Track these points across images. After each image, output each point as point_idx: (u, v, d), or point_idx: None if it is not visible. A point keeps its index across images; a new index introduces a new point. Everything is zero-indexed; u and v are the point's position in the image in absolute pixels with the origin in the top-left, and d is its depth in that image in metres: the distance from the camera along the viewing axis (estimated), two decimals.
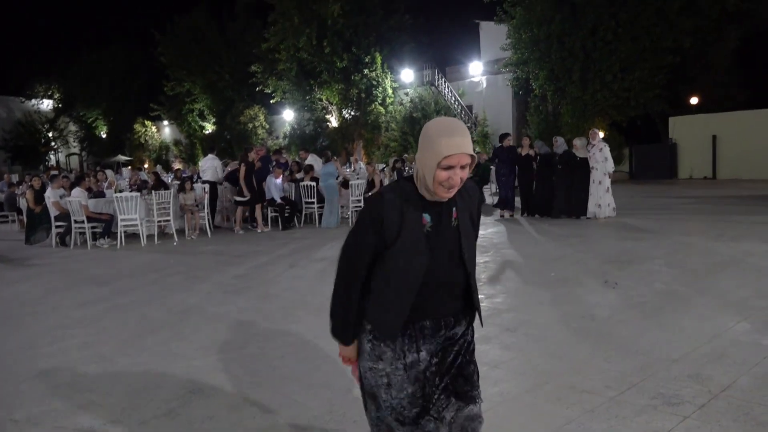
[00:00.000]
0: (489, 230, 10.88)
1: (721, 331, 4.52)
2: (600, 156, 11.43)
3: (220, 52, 35.76)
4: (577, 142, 11.85)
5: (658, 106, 22.81)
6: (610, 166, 11.52)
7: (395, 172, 15.80)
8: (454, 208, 1.99)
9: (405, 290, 1.96)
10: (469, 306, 2.11)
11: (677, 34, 21.18)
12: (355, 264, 2.00)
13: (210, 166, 13.49)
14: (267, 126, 36.12)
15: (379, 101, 29.91)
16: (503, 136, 12.93)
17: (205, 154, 37.81)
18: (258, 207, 12.23)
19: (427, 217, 1.95)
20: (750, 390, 3.43)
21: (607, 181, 11.53)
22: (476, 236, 2.15)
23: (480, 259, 8.00)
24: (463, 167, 1.87)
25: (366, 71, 29.03)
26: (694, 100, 25.81)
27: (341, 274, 2.05)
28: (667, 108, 23.41)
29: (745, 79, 27.16)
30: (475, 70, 30.61)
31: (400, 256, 1.94)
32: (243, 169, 11.98)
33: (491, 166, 15.47)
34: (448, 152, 1.83)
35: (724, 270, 6.64)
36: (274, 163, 13.47)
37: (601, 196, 11.48)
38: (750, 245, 7.98)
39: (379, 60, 29.06)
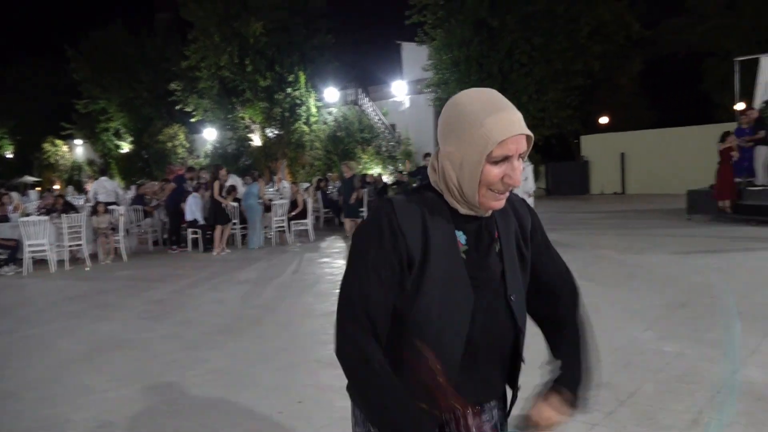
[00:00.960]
0: None
1: (629, 340, 4.76)
2: (521, 176, 11.71)
3: (138, 69, 34.72)
4: None
5: (571, 125, 23.91)
6: (530, 186, 11.77)
7: (319, 192, 15.77)
8: (495, 226, 1.39)
9: (444, 353, 1.28)
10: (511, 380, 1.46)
11: (587, 58, 22.35)
12: (365, 308, 1.24)
13: (110, 188, 13.44)
14: (187, 145, 35.25)
15: (303, 120, 29.84)
16: (426, 156, 13.23)
17: (121, 174, 36.51)
18: (219, 228, 11.88)
19: (461, 237, 1.32)
20: (654, 395, 3.63)
21: (530, 200, 11.74)
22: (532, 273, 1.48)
23: None
24: (520, 156, 1.28)
25: (289, 90, 28.94)
26: (604, 120, 27.27)
27: (347, 338, 1.26)
28: (580, 127, 24.60)
29: (651, 100, 29.03)
30: (398, 89, 31.08)
31: (429, 297, 1.27)
32: (217, 186, 11.67)
33: (413, 184, 15.69)
34: (503, 135, 1.22)
35: (631, 281, 7.00)
36: (195, 182, 13.18)
37: None
38: (655, 257, 8.47)
39: (302, 79, 29.06)
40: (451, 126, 1.28)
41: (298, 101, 29.40)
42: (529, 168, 11.86)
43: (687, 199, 13.08)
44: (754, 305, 5.57)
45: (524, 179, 11.69)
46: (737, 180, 11.91)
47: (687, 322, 5.20)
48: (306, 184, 19.29)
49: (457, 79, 23.77)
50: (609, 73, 24.88)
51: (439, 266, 1.26)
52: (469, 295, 1.29)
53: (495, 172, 1.25)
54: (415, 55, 27.97)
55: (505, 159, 1.25)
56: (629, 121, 26.71)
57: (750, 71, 14.45)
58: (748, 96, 14.52)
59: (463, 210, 1.32)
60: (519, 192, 11.56)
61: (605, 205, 18.40)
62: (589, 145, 24.28)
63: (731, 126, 13.32)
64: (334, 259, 10.21)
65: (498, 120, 1.22)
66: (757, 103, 13.40)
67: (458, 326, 1.29)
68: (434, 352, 1.26)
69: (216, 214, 11.75)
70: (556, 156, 27.34)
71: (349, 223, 12.94)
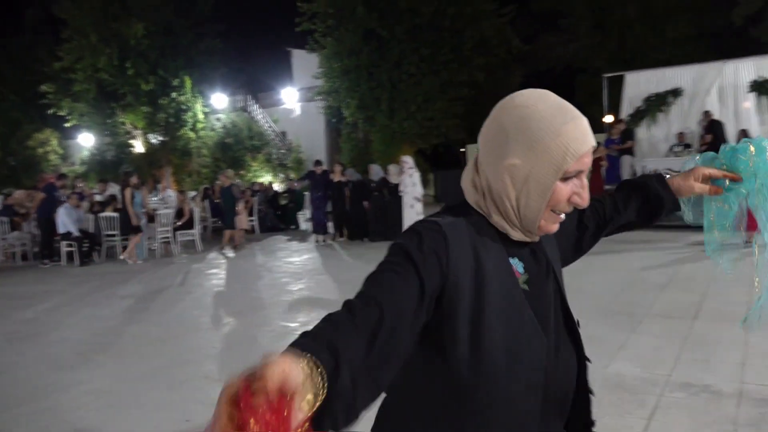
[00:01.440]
0: (304, 256, 10.95)
1: None
2: (409, 181, 12.13)
3: (3, 68, 32.01)
4: (392, 168, 12.55)
5: (457, 134, 24.83)
6: (418, 191, 12.26)
7: (206, 200, 15.30)
8: (543, 247, 1.18)
9: (520, 415, 1.07)
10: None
11: (472, 70, 23.32)
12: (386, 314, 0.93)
13: None
14: (61, 151, 32.94)
15: (190, 126, 28.81)
16: (316, 163, 13.24)
17: None
18: (134, 238, 11.23)
19: (518, 265, 1.10)
20: None
21: (419, 205, 12.19)
22: None
23: (294, 286, 8.01)
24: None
25: (174, 95, 27.83)
26: None
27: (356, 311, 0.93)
28: (466, 136, 25.61)
29: None
30: (289, 97, 30.87)
31: (492, 350, 1.03)
32: (128, 194, 10.99)
33: (304, 192, 15.66)
34: (584, 147, 1.04)
35: None
36: (70, 191, 12.36)
37: (413, 219, 12.17)
38: None
39: (188, 84, 28.06)
40: (515, 133, 1.04)
41: (183, 107, 28.35)
42: (417, 174, 12.29)
43: None
44: (622, 303, 6.04)
45: (413, 185, 12.10)
46: (607, 188, 12.86)
47: None
48: (193, 193, 18.65)
49: (348, 88, 23.98)
50: (493, 84, 26.11)
51: (499, 308, 1.03)
52: (539, 337, 1.08)
53: (565, 190, 1.05)
54: (305, 63, 27.92)
55: (579, 174, 1.06)
56: None
57: (617, 87, 15.67)
58: (615, 110, 15.73)
59: (515, 235, 1.10)
60: (409, 198, 11.98)
61: None
62: (475, 154, 25.30)
63: (601, 137, 14.37)
64: (221, 270, 9.93)
65: (576, 128, 1.03)
66: (624, 116, 14.57)
67: (533, 379, 1.06)
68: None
69: (126, 224, 11.17)
70: (444, 164, 28.26)
71: (227, 234, 12.54)
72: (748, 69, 13.53)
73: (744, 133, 12.08)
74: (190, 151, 29.10)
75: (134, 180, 11.53)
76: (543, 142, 1.02)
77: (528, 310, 1.07)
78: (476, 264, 1.03)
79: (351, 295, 0.97)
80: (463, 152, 26.64)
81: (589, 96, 24.36)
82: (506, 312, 1.04)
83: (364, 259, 10.07)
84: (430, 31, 22.70)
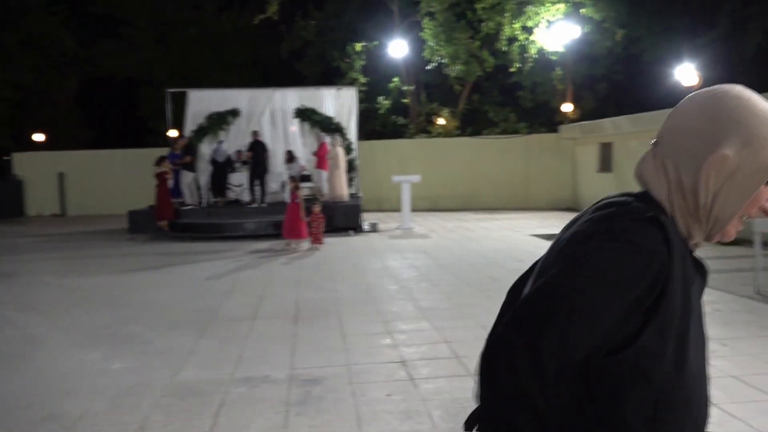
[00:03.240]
0: None
1: (76, 364, 4.66)
2: None
3: None
4: None
5: (0, 140, 21.57)
6: None
7: None
8: None
9: None
10: None
11: (17, 69, 20.62)
12: (560, 359, 0.89)
13: None
14: None
15: None
16: None
17: None
18: None
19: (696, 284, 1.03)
20: (103, 414, 3.68)
21: None
22: None
23: None
24: None
25: None
26: (39, 137, 25.56)
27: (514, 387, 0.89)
28: (11, 143, 22.45)
29: (88, 120, 28.81)
30: None
31: (690, 368, 0.95)
32: None
33: None
34: None
35: (76, 305, 6.82)
36: None
37: None
38: (100, 278, 8.47)
39: None
40: (730, 123, 0.95)
41: None
42: None
43: (128, 220, 13.55)
44: (190, 312, 6.25)
45: None
46: (174, 201, 13.05)
47: (134, 337, 5.42)
48: None
49: None
50: (44, 88, 23.56)
51: (694, 326, 0.96)
52: (706, 358, 1.02)
53: (765, 194, 0.98)
54: None
55: None
56: (67, 140, 25.82)
57: (180, 102, 16.03)
58: (179, 125, 16.06)
59: (694, 240, 1.01)
60: None
61: (44, 228, 17.26)
62: (23, 164, 22.35)
63: (166, 151, 14.49)
64: None
65: None
66: (187, 131, 15.00)
67: (706, 399, 1.01)
68: None
69: None
70: None
71: None
72: (293, 97, 15.57)
73: (290, 154, 13.88)
74: None
75: None
76: (762, 137, 0.95)
77: (702, 329, 1.02)
78: (685, 282, 0.95)
79: None
80: (8, 160, 23.26)
81: (154, 109, 24.26)
82: (696, 333, 0.97)
83: None
84: None
